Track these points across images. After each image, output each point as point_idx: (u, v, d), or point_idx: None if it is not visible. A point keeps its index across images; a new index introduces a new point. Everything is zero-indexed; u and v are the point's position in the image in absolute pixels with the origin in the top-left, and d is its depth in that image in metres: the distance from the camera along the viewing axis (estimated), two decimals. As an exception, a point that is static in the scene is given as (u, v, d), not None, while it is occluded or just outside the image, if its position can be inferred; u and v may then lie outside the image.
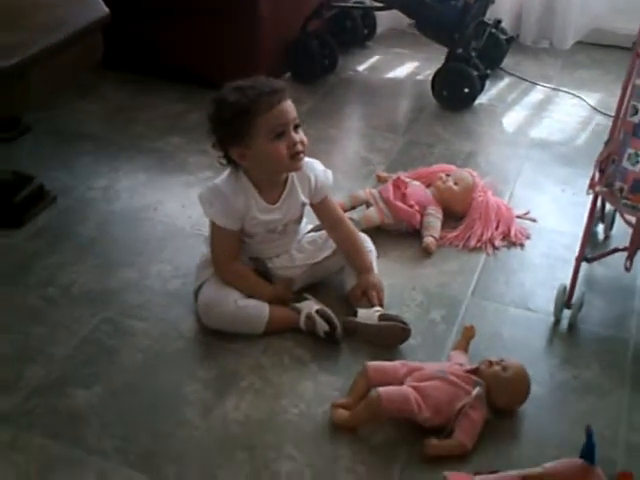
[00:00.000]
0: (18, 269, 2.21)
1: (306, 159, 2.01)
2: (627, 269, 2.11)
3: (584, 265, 2.14)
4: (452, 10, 3.03)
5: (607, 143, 2.06)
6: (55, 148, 2.78)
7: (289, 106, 1.92)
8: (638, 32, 1.98)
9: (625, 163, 1.98)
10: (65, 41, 2.16)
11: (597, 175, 2.04)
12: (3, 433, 1.72)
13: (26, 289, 2.13)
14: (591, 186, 2.04)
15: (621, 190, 1.99)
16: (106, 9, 2.29)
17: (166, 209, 2.49)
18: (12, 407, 1.78)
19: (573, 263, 2.06)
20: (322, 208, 2.10)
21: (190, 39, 3.10)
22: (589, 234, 2.08)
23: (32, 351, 1.94)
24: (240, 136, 1.89)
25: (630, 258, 2.10)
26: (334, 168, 2.53)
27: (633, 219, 2.07)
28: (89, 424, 1.75)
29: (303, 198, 2.04)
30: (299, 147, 1.92)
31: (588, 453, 1.62)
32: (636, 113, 1.96)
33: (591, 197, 2.05)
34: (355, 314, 2.00)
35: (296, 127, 1.93)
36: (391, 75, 3.44)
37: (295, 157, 1.93)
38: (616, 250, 2.18)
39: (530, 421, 1.80)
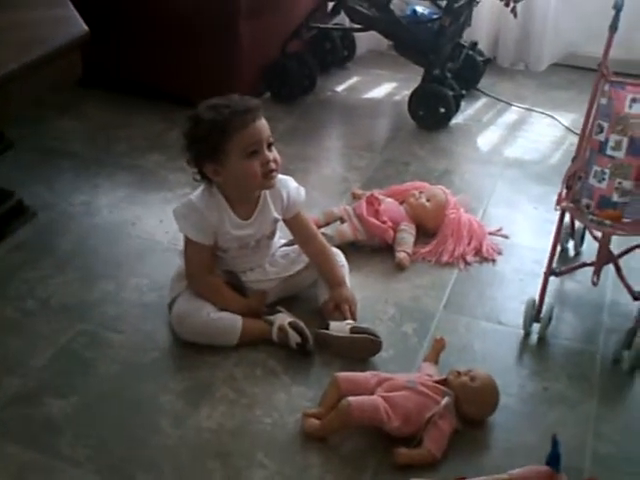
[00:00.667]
0: (-3, 282, 2.24)
1: (279, 176, 2.05)
2: (594, 283, 2.15)
3: (555, 280, 2.19)
4: (428, 32, 3.10)
5: (574, 160, 2.12)
6: (36, 165, 2.81)
7: (262, 125, 1.96)
8: (602, 54, 2.04)
9: (591, 180, 2.03)
10: (44, 58, 2.19)
11: (564, 192, 2.09)
12: (-23, 442, 1.75)
13: (5, 301, 2.16)
14: (558, 202, 2.09)
15: (588, 206, 2.04)
16: (85, 27, 2.32)
17: (144, 224, 2.52)
18: (-13, 416, 1.81)
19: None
20: (295, 223, 2.13)
21: (170, 59, 3.15)
22: (556, 248, 2.12)
23: (9, 362, 1.96)
24: (214, 153, 1.94)
25: (597, 273, 2.15)
26: (311, 186, 2.59)
27: (600, 234, 2.12)
28: (63, 433, 1.77)
29: (275, 214, 2.08)
30: (272, 165, 1.97)
31: (553, 460, 1.65)
32: (601, 131, 2.01)
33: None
34: (327, 326, 2.03)
35: (269, 145, 1.98)
36: (369, 95, 3.49)
37: (268, 175, 1.97)
38: (584, 265, 2.23)
39: (499, 431, 1.83)
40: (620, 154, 1.93)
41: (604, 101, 2.02)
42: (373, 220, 2.40)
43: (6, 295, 2.19)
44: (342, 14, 3.37)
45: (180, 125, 2.03)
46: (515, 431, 1.84)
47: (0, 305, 2.15)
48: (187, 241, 2.04)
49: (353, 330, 2.00)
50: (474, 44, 3.41)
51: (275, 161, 1.98)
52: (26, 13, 2.40)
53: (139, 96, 3.26)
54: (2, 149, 2.46)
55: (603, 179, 2.02)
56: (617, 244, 2.16)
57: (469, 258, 2.39)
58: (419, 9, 3.22)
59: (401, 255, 2.36)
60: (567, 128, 3.20)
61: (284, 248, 2.21)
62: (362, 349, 2.00)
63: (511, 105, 3.40)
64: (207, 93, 2.03)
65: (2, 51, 2.16)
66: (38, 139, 2.97)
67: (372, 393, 1.81)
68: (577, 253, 2.44)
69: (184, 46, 3.10)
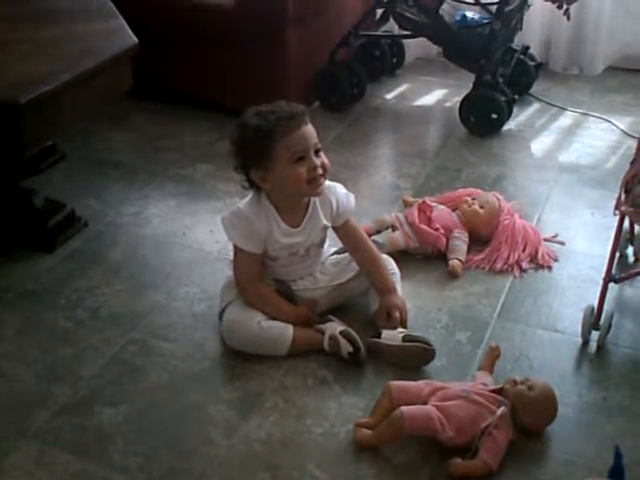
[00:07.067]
0: (49, 291, 2.25)
1: (328, 183, 2.03)
2: (655, 290, 2.09)
3: (614, 287, 2.13)
4: (478, 37, 3.06)
5: (633, 163, 2.06)
6: (87, 176, 2.84)
7: (309, 131, 1.94)
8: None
9: (651, 183, 1.97)
10: (95, 70, 2.21)
11: (623, 195, 2.03)
12: (30, 450, 1.75)
13: (56, 311, 2.18)
14: (617, 206, 2.03)
15: (648, 210, 1.98)
16: (135, 39, 2.34)
17: (194, 234, 2.52)
18: (39, 424, 1.81)
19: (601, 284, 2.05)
20: (344, 231, 2.11)
21: (218, 69, 3.16)
22: (615, 254, 2.06)
23: (60, 370, 1.97)
24: (261, 160, 1.93)
25: (658, 279, 2.08)
26: (361, 194, 2.57)
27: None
28: (114, 442, 1.77)
29: (325, 221, 2.06)
30: (319, 171, 1.94)
31: (616, 473, 1.60)
32: (662, 132, 1.96)
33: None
34: (379, 335, 2.00)
35: (317, 151, 1.96)
36: (419, 103, 3.46)
37: (315, 181, 1.95)
38: (644, 271, 2.17)
39: (557, 442, 1.78)
40: (681, 155, 1.87)
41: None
42: (425, 227, 2.37)
43: (57, 304, 2.20)
44: (391, 21, 3.35)
45: (229, 135, 2.02)
46: (573, 442, 1.78)
47: (51, 314, 2.16)
48: (236, 250, 2.03)
49: (405, 338, 1.96)
50: (526, 48, 3.35)
51: (323, 166, 1.96)
52: (78, 26, 2.46)
53: (188, 107, 3.28)
54: (54, 161, 2.49)
55: (663, 182, 1.96)
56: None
57: (524, 265, 2.34)
58: (469, 14, 3.18)
59: (454, 262, 2.32)
60: (624, 132, 3.13)
61: (335, 256, 2.18)
62: (415, 358, 1.96)
63: (565, 110, 3.33)
64: (255, 102, 2.02)
65: (55, 63, 2.20)
66: (89, 150, 3.00)
67: (425, 402, 1.77)
68: (637, 259, 2.36)
69: (232, 55, 3.11)
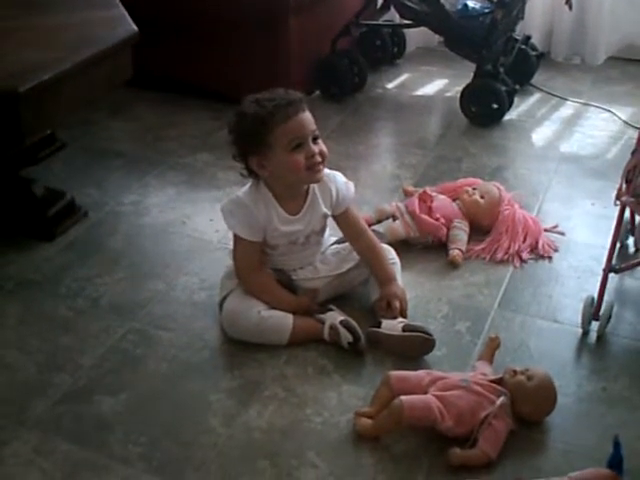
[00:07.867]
0: (49, 280, 2.25)
1: (328, 171, 2.03)
2: (656, 280, 2.09)
3: (614, 277, 2.13)
4: (480, 26, 3.05)
5: (634, 153, 2.05)
6: (87, 165, 2.84)
7: (306, 118, 1.93)
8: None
9: (652, 173, 1.96)
10: (95, 58, 2.22)
11: (624, 186, 2.02)
12: (30, 439, 1.75)
13: (56, 300, 2.17)
14: (618, 197, 2.03)
15: (649, 200, 1.97)
16: (135, 28, 2.34)
17: (194, 223, 2.52)
18: (40, 413, 1.81)
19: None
20: (344, 220, 2.10)
21: (218, 57, 3.17)
22: (616, 244, 2.06)
23: (60, 359, 1.97)
24: (259, 147, 1.92)
25: (659, 269, 2.08)
26: (362, 183, 2.57)
27: (662, 229, 2.06)
28: (114, 431, 1.77)
29: (324, 209, 2.05)
30: (317, 158, 1.94)
31: (615, 463, 1.60)
32: (663, 122, 1.95)
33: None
34: (379, 325, 2.00)
35: (315, 139, 1.95)
36: (420, 92, 3.46)
37: (313, 168, 1.95)
38: (644, 261, 2.16)
39: (557, 432, 1.78)
40: (682, 145, 1.87)
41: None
42: (426, 217, 2.36)
43: (57, 293, 2.20)
44: (392, 10, 3.34)
45: (227, 123, 2.02)
46: (573, 432, 1.78)
47: (51, 303, 2.16)
48: (235, 238, 2.02)
49: (405, 328, 1.96)
50: (527, 38, 3.35)
51: (321, 154, 1.95)
52: (78, 14, 2.46)
53: (188, 96, 3.28)
54: (54, 150, 2.48)
55: (664, 172, 1.96)
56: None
57: (524, 255, 2.34)
58: (470, 3, 3.17)
59: (454, 252, 2.32)
60: (625, 122, 3.13)
61: (335, 246, 2.18)
62: (414, 347, 1.96)
63: (566, 100, 3.33)
64: (256, 91, 2.02)
65: (54, 51, 2.21)
66: (89, 140, 3.00)
67: (425, 392, 1.77)
68: (637, 249, 2.36)
69: (233, 44, 3.11)
